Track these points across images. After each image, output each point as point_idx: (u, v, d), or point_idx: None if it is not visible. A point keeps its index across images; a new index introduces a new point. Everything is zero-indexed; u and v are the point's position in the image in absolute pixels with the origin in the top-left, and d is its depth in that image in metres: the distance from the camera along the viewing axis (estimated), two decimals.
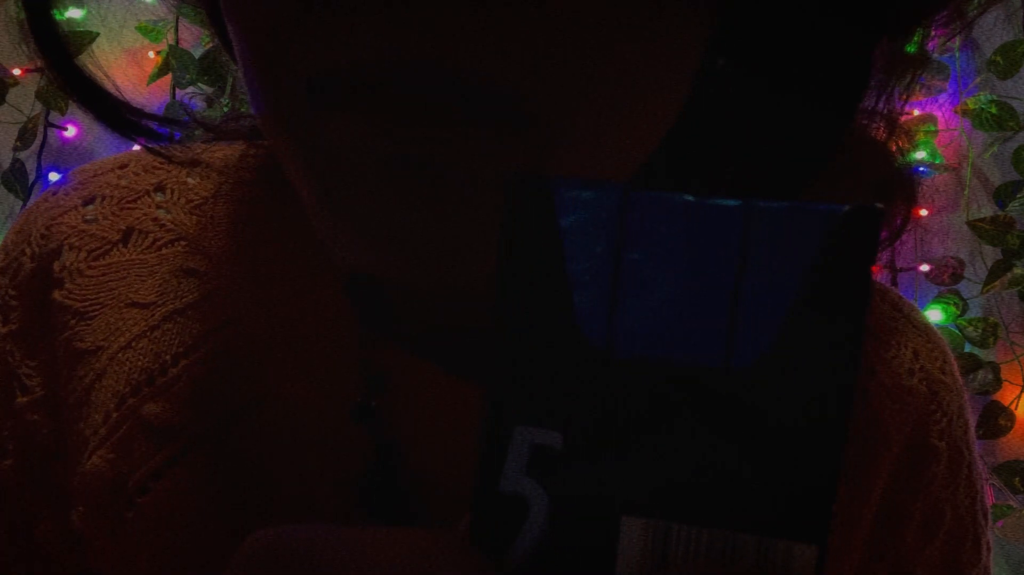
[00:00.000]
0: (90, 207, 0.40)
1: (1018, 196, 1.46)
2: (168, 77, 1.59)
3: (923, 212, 1.51)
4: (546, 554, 0.20)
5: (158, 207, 0.40)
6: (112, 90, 0.37)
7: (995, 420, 1.49)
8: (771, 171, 0.32)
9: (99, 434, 0.37)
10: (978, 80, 1.49)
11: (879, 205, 0.19)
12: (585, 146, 0.27)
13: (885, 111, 0.35)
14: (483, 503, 0.21)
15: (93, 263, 0.39)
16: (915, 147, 1.47)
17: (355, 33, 0.24)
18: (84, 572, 0.39)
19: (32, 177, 1.69)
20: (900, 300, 0.44)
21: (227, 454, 0.36)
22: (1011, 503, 1.50)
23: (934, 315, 1.49)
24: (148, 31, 1.61)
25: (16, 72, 1.66)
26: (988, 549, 0.45)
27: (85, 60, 0.37)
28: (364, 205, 0.27)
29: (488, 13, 0.24)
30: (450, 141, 0.25)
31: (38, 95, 1.65)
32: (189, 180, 0.41)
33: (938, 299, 1.51)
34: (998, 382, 1.49)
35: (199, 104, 1.59)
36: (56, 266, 0.39)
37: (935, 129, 1.49)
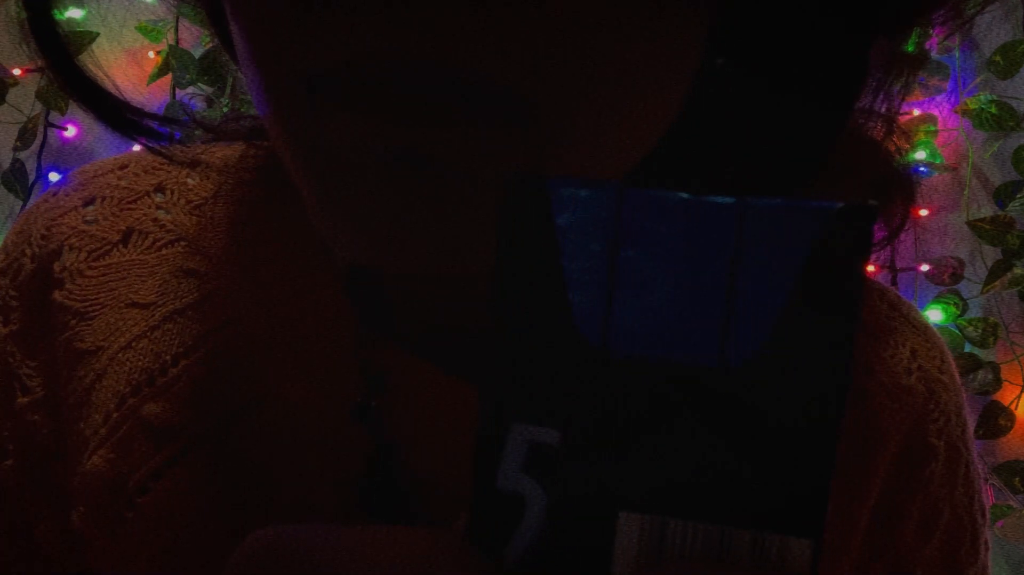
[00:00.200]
0: (90, 208, 0.40)
1: (1018, 196, 1.46)
2: (168, 77, 1.59)
3: (923, 212, 1.51)
4: (543, 551, 0.20)
5: (158, 208, 0.40)
6: (112, 90, 0.37)
7: (995, 420, 1.49)
8: (769, 169, 0.32)
9: (99, 434, 0.37)
10: (978, 80, 1.49)
11: (873, 202, 0.19)
12: (585, 145, 0.27)
13: (883, 111, 0.35)
14: (480, 501, 0.21)
15: (93, 263, 0.39)
16: (915, 147, 1.47)
17: (355, 31, 0.24)
18: (84, 572, 0.39)
19: (32, 177, 1.69)
20: (898, 299, 0.44)
21: (227, 454, 0.36)
22: (1011, 503, 1.50)
23: (934, 315, 1.49)
24: (148, 31, 1.61)
25: (16, 72, 1.66)
26: (986, 547, 0.46)
27: (85, 60, 0.37)
28: (364, 204, 0.27)
29: (488, 12, 0.24)
30: (450, 140, 0.25)
31: (38, 95, 1.65)
32: (189, 181, 0.41)
33: (938, 299, 1.51)
34: (998, 382, 1.49)
35: (199, 104, 1.59)
36: (56, 266, 0.39)
37: (935, 129, 1.49)
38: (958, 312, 1.49)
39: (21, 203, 1.69)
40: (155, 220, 0.40)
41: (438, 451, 0.36)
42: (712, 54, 0.28)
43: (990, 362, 1.49)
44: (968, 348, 1.50)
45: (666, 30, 0.26)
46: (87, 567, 0.38)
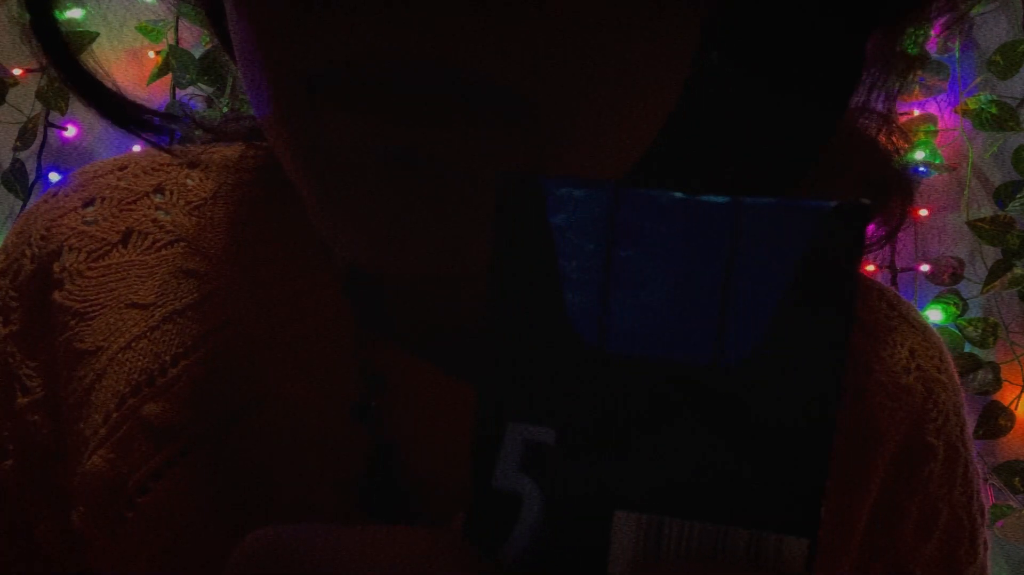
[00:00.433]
0: (90, 209, 0.40)
1: (1018, 196, 1.46)
2: (168, 77, 1.59)
3: (923, 212, 1.51)
4: (540, 550, 0.21)
5: (157, 208, 0.40)
6: (113, 88, 0.37)
7: (995, 420, 1.49)
8: (765, 167, 0.32)
9: (99, 434, 0.37)
10: (978, 80, 1.49)
11: (866, 201, 0.19)
12: (585, 144, 0.27)
13: (881, 109, 0.35)
14: (477, 500, 0.21)
15: (93, 264, 0.39)
16: (915, 147, 1.47)
17: (355, 31, 0.25)
18: (84, 572, 0.39)
19: (32, 177, 1.69)
20: (897, 299, 0.44)
21: (227, 454, 0.36)
22: (1011, 503, 1.50)
23: (934, 315, 1.49)
24: (148, 31, 1.61)
25: (16, 72, 1.66)
26: (985, 547, 0.46)
27: (85, 60, 0.37)
28: (364, 203, 0.27)
29: (488, 12, 0.24)
30: (450, 140, 0.26)
31: (38, 95, 1.65)
32: (188, 182, 0.41)
33: (938, 299, 1.51)
34: (998, 382, 1.49)
35: (199, 104, 1.59)
36: (56, 267, 0.39)
37: (935, 129, 1.49)
38: (958, 312, 1.49)
39: (21, 203, 1.69)
40: (154, 221, 0.40)
41: (438, 451, 0.36)
42: (707, 51, 0.28)
43: (990, 362, 1.49)
44: (968, 348, 1.50)
45: (665, 29, 0.26)
46: (87, 567, 0.38)
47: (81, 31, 1.58)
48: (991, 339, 1.49)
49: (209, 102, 1.59)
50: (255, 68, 0.28)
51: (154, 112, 0.39)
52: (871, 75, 0.33)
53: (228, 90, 1.56)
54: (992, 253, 1.49)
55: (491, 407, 0.20)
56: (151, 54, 1.63)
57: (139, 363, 0.37)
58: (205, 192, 0.41)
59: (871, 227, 0.39)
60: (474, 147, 0.26)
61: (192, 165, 0.41)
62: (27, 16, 0.36)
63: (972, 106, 1.45)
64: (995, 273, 1.47)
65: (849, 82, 0.31)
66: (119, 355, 0.37)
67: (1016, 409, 1.50)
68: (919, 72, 1.44)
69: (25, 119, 1.67)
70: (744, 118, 0.31)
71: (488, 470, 0.21)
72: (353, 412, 0.36)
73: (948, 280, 1.50)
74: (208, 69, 1.57)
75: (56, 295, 0.39)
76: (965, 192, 1.50)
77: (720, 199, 0.19)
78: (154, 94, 1.59)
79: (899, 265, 1.51)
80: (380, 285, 0.38)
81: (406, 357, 0.36)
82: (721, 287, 0.19)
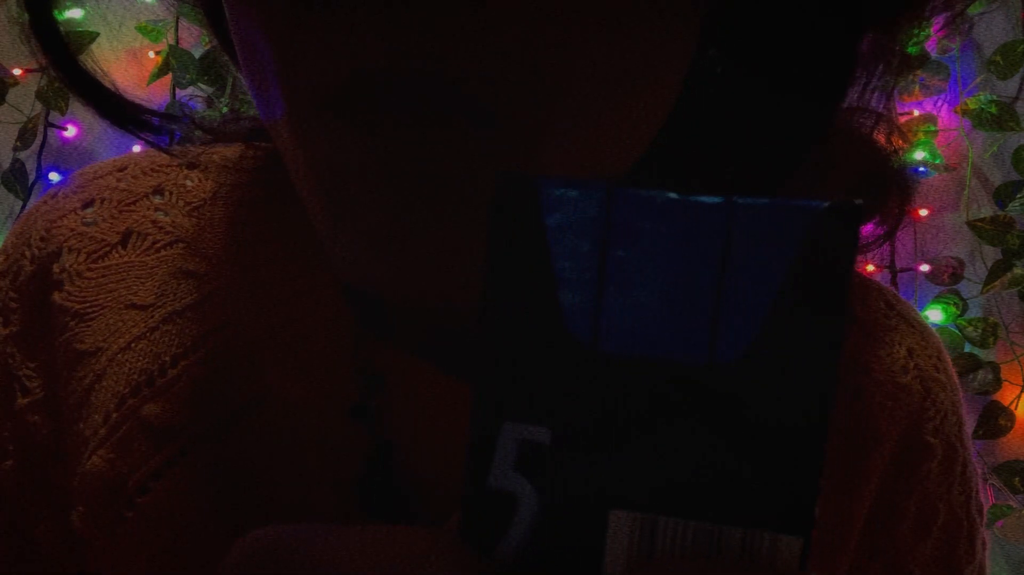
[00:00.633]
0: (89, 210, 0.40)
1: (1018, 196, 1.46)
2: (168, 77, 1.59)
3: (923, 212, 1.51)
4: (536, 549, 0.21)
5: (156, 209, 0.40)
6: (112, 88, 0.37)
7: (995, 420, 1.49)
8: (760, 164, 0.32)
9: (99, 434, 0.37)
10: (978, 80, 1.49)
11: (859, 201, 0.19)
12: (579, 149, 0.27)
13: (877, 108, 0.35)
14: (472, 499, 0.21)
15: (92, 265, 0.39)
16: (915, 147, 1.47)
17: (354, 46, 0.25)
18: (84, 573, 0.39)
19: (32, 177, 1.69)
20: (895, 298, 0.44)
21: (226, 454, 0.36)
22: (1011, 503, 1.50)
23: (934, 315, 1.49)
24: (148, 31, 1.61)
25: (16, 72, 1.66)
26: (984, 546, 0.46)
27: (85, 60, 0.38)
28: (365, 208, 0.27)
29: (483, 24, 0.24)
30: (448, 147, 0.26)
31: (38, 95, 1.65)
32: (187, 182, 0.41)
33: (938, 299, 1.51)
34: (998, 382, 1.49)
35: (199, 104, 1.59)
36: (56, 268, 0.39)
37: (935, 129, 1.49)
38: (958, 312, 1.49)
39: (21, 203, 1.69)
40: (154, 222, 0.40)
41: (437, 451, 0.36)
42: (705, 51, 0.28)
43: (990, 362, 1.49)
44: (968, 348, 1.50)
45: (653, 34, 0.26)
46: (87, 568, 0.38)
47: (81, 31, 1.58)
48: (991, 339, 1.49)
49: (209, 102, 1.59)
50: (260, 80, 0.28)
51: (154, 112, 0.39)
52: (867, 73, 0.33)
53: (228, 90, 1.56)
54: (992, 253, 1.49)
55: (486, 407, 0.21)
56: (151, 54, 1.63)
57: (139, 364, 0.37)
58: (204, 193, 0.41)
59: (870, 226, 0.39)
60: (473, 154, 0.26)
61: (191, 166, 0.42)
62: (27, 16, 0.36)
63: (972, 106, 1.45)
64: (995, 273, 1.47)
65: (843, 80, 0.32)
66: (119, 356, 0.38)
67: (1016, 409, 1.50)
68: (919, 72, 1.44)
69: (25, 119, 1.67)
70: (739, 116, 0.31)
71: (483, 470, 0.21)
72: (352, 412, 0.36)
73: (948, 280, 1.50)
74: (208, 69, 1.57)
75: (56, 296, 0.39)
76: (965, 192, 1.50)
77: (714, 199, 0.19)
78: (154, 94, 1.60)
79: (899, 265, 1.51)
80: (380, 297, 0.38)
81: (405, 357, 0.36)
82: (715, 287, 0.20)
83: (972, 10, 1.43)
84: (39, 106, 1.67)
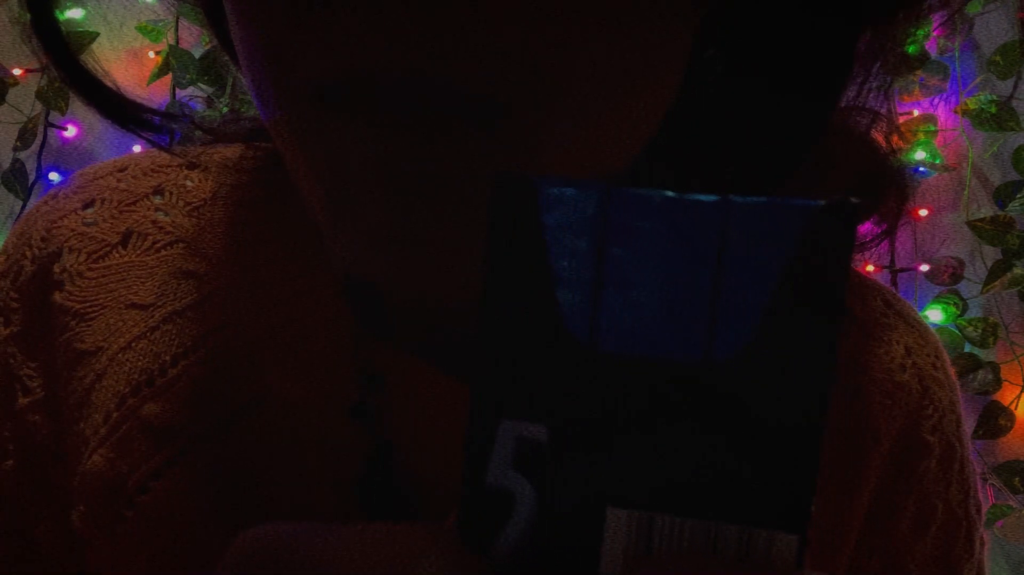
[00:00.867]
0: (90, 210, 0.41)
1: (1018, 196, 1.46)
2: (168, 77, 1.59)
3: (923, 212, 1.51)
4: (533, 546, 0.21)
5: (157, 209, 0.40)
6: (113, 87, 0.38)
7: (995, 420, 1.49)
8: (757, 162, 0.32)
9: (99, 434, 0.37)
10: (978, 80, 1.49)
11: (855, 199, 0.19)
12: (579, 147, 0.27)
13: (873, 106, 0.35)
14: (470, 497, 0.21)
15: (93, 265, 0.39)
16: (915, 147, 1.47)
17: (353, 44, 0.25)
18: (82, 573, 0.39)
19: (32, 177, 1.69)
20: (893, 297, 0.44)
21: (226, 454, 0.36)
22: (1011, 503, 1.50)
23: (934, 315, 1.49)
24: (148, 31, 1.61)
25: (16, 72, 1.66)
26: (982, 544, 0.46)
27: (85, 60, 0.38)
28: (365, 207, 0.28)
29: (481, 23, 0.25)
30: (448, 147, 0.26)
31: (38, 95, 1.65)
32: (187, 183, 0.41)
33: (938, 299, 1.51)
34: (998, 382, 1.49)
35: (199, 104, 1.59)
36: (56, 268, 0.39)
37: (935, 129, 1.49)
38: (958, 312, 1.49)
39: (21, 203, 1.69)
40: (154, 222, 0.40)
41: (437, 451, 0.36)
42: (701, 54, 0.28)
43: (990, 362, 1.49)
44: (968, 348, 1.50)
45: (649, 31, 0.27)
46: (87, 569, 0.38)
47: (81, 31, 1.58)
48: (991, 339, 1.49)
49: (209, 102, 1.59)
50: (258, 76, 0.28)
51: (155, 111, 0.39)
52: (864, 71, 0.33)
53: (228, 90, 1.56)
54: (992, 253, 1.49)
55: (484, 405, 0.21)
56: (151, 54, 1.63)
57: (139, 363, 0.37)
58: (204, 193, 0.41)
59: (868, 224, 0.39)
60: (472, 152, 0.26)
61: (191, 166, 0.42)
62: (27, 16, 0.36)
63: (972, 106, 1.45)
64: (995, 273, 1.47)
65: (841, 79, 0.32)
66: (119, 355, 0.38)
67: (1016, 409, 1.50)
68: (919, 72, 1.44)
69: (25, 119, 1.67)
70: (737, 115, 0.31)
71: (481, 467, 0.21)
72: (352, 412, 0.36)
73: (948, 280, 1.50)
74: (208, 69, 1.57)
75: (56, 296, 0.39)
76: (965, 192, 1.50)
77: (709, 198, 0.20)
78: (154, 94, 1.59)
79: (899, 265, 1.51)
80: (379, 292, 0.38)
81: (405, 357, 0.36)
82: (712, 285, 0.20)
83: (972, 10, 1.43)
84: (39, 106, 1.66)
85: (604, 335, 0.20)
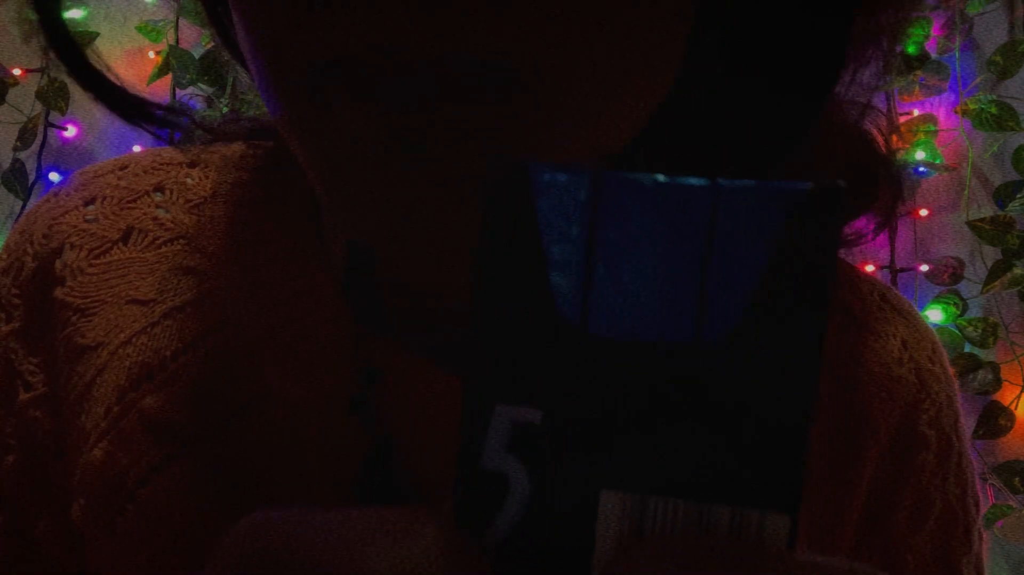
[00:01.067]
0: (91, 207, 0.41)
1: (1018, 196, 1.46)
2: (168, 77, 1.60)
3: (923, 212, 1.51)
4: (527, 529, 0.21)
5: (157, 207, 0.41)
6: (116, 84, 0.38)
7: (995, 420, 1.49)
8: (751, 149, 0.32)
9: (100, 427, 0.37)
10: (978, 80, 1.49)
11: (842, 183, 0.19)
12: (578, 119, 0.28)
13: (865, 101, 0.35)
14: (465, 481, 0.21)
15: (94, 261, 0.39)
16: (915, 147, 1.47)
17: (354, 25, 0.25)
18: (82, 571, 0.39)
19: (32, 177, 1.69)
20: (890, 292, 0.45)
21: (226, 451, 0.36)
22: (1011, 503, 1.50)
23: (934, 315, 1.49)
24: (148, 31, 1.61)
25: (16, 72, 1.66)
26: (980, 538, 0.46)
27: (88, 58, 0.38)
28: (372, 188, 0.28)
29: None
30: (450, 122, 0.26)
31: (38, 95, 1.65)
32: (188, 180, 0.41)
33: (938, 299, 1.51)
34: (998, 382, 1.49)
35: (199, 104, 1.59)
36: (58, 264, 0.40)
37: (935, 129, 1.49)
38: (958, 312, 1.49)
39: (21, 203, 1.69)
40: (155, 219, 0.40)
41: (436, 448, 0.36)
42: (697, 40, 0.29)
43: (990, 362, 1.49)
44: (968, 348, 1.50)
45: (655, 16, 0.27)
46: (86, 567, 0.38)
47: (81, 31, 1.58)
48: (991, 339, 1.49)
49: (209, 102, 1.59)
50: (260, 59, 0.28)
51: (159, 106, 0.40)
52: (856, 60, 0.33)
53: (228, 90, 1.56)
54: (992, 253, 1.49)
55: (479, 389, 0.21)
56: (151, 54, 1.63)
57: (139, 358, 0.38)
58: (204, 191, 0.41)
59: (864, 219, 0.40)
60: (471, 127, 0.27)
61: (192, 164, 0.42)
62: (27, 16, 0.36)
63: (972, 106, 1.45)
64: (995, 273, 1.47)
65: (833, 67, 0.32)
66: (120, 350, 0.38)
67: (1016, 409, 1.50)
68: (919, 72, 1.44)
69: (25, 119, 1.67)
70: (728, 99, 0.32)
71: (476, 451, 0.21)
72: (351, 405, 0.36)
73: (948, 280, 1.50)
74: (208, 69, 1.57)
75: (58, 291, 0.39)
76: (965, 192, 1.50)
77: (699, 181, 0.20)
78: (154, 94, 1.59)
79: (899, 265, 1.51)
80: (376, 280, 0.38)
81: (404, 354, 0.37)
82: (702, 268, 0.20)
83: (972, 10, 1.43)
84: (39, 106, 1.67)
85: (597, 319, 0.20)
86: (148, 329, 0.38)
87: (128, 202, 0.41)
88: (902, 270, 1.52)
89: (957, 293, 1.50)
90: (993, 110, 1.44)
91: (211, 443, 0.36)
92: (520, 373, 0.21)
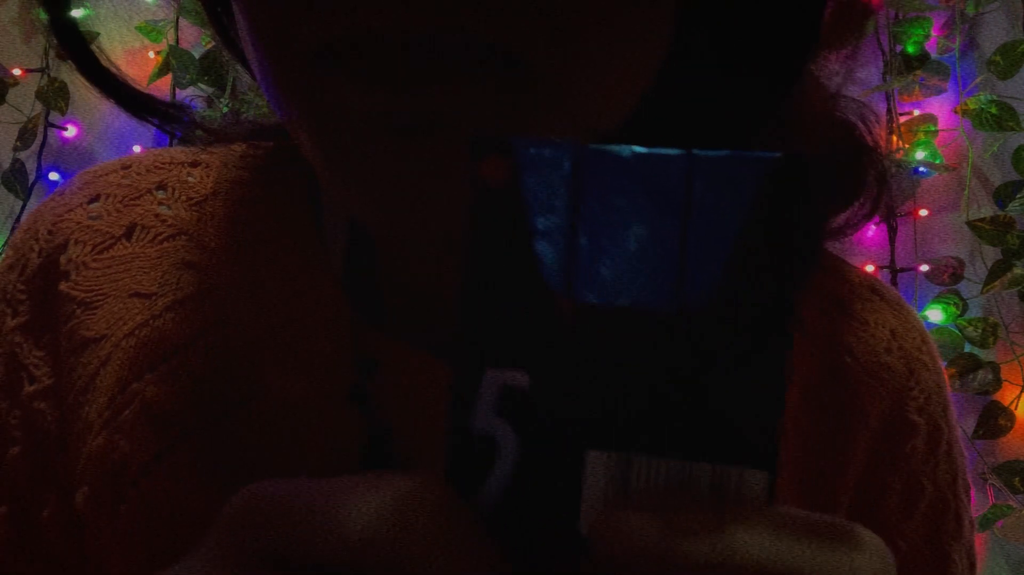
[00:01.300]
0: (95, 205, 0.42)
1: (1018, 196, 1.46)
2: (168, 77, 1.60)
3: (923, 212, 1.51)
4: (516, 489, 0.22)
5: (160, 204, 0.42)
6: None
7: (995, 420, 1.49)
8: (730, 128, 0.33)
9: (103, 417, 0.38)
10: (978, 80, 1.49)
11: (806, 153, 0.21)
12: (574, 101, 0.28)
13: (838, 88, 0.36)
14: (456, 444, 0.22)
15: (98, 256, 0.40)
16: (915, 147, 1.47)
17: (353, 7, 0.26)
18: (83, 560, 0.39)
19: (32, 177, 1.69)
20: (879, 284, 0.46)
21: (225, 440, 0.37)
22: (1011, 503, 1.50)
23: (934, 315, 1.49)
24: (148, 31, 1.61)
25: (16, 72, 1.67)
26: (971, 526, 0.47)
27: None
28: (372, 168, 0.29)
29: None
30: (448, 104, 0.27)
31: (38, 95, 1.65)
32: (189, 179, 0.42)
33: (938, 299, 1.51)
34: (998, 382, 1.49)
35: (199, 104, 1.59)
36: (62, 260, 0.40)
37: (935, 129, 1.49)
38: (958, 312, 1.49)
39: (21, 203, 1.69)
40: (156, 215, 0.41)
41: (434, 437, 0.36)
42: (687, 11, 0.30)
43: (990, 362, 1.49)
44: (968, 348, 1.50)
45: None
46: (86, 554, 0.39)
47: (82, 31, 1.58)
48: (991, 339, 1.49)
49: (209, 102, 1.59)
50: (261, 44, 0.29)
51: (166, 103, 0.41)
52: (831, 39, 0.34)
53: (228, 90, 1.57)
54: (992, 253, 1.49)
55: (468, 354, 0.22)
56: (151, 54, 1.63)
57: (142, 350, 0.38)
58: (206, 189, 0.42)
59: (858, 214, 0.40)
60: (471, 108, 0.27)
61: (193, 164, 0.43)
62: (35, 15, 0.37)
63: (972, 106, 1.45)
64: (995, 273, 1.47)
65: (806, 45, 0.32)
66: (123, 342, 0.39)
67: (1016, 409, 1.50)
68: (919, 72, 1.44)
69: (25, 119, 1.67)
70: (711, 77, 0.32)
71: (467, 416, 0.22)
72: (350, 395, 0.37)
73: (948, 280, 1.50)
74: (208, 69, 1.57)
75: (62, 286, 0.40)
76: (965, 192, 1.50)
77: (674, 151, 0.21)
78: (154, 94, 1.59)
79: (899, 265, 1.51)
80: (376, 277, 0.38)
81: (401, 346, 0.37)
82: (680, 235, 0.21)
83: (972, 10, 1.43)
84: (39, 106, 1.67)
85: (580, 286, 0.21)
86: (150, 322, 0.39)
87: (131, 200, 0.42)
88: (902, 270, 1.52)
89: (957, 293, 1.50)
90: (993, 110, 1.44)
91: (211, 433, 0.37)
92: (508, 339, 0.22)
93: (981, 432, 1.49)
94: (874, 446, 0.42)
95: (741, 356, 0.21)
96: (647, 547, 0.20)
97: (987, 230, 1.46)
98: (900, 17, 1.46)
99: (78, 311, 0.39)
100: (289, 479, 0.23)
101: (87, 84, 0.39)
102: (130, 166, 0.43)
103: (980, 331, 1.49)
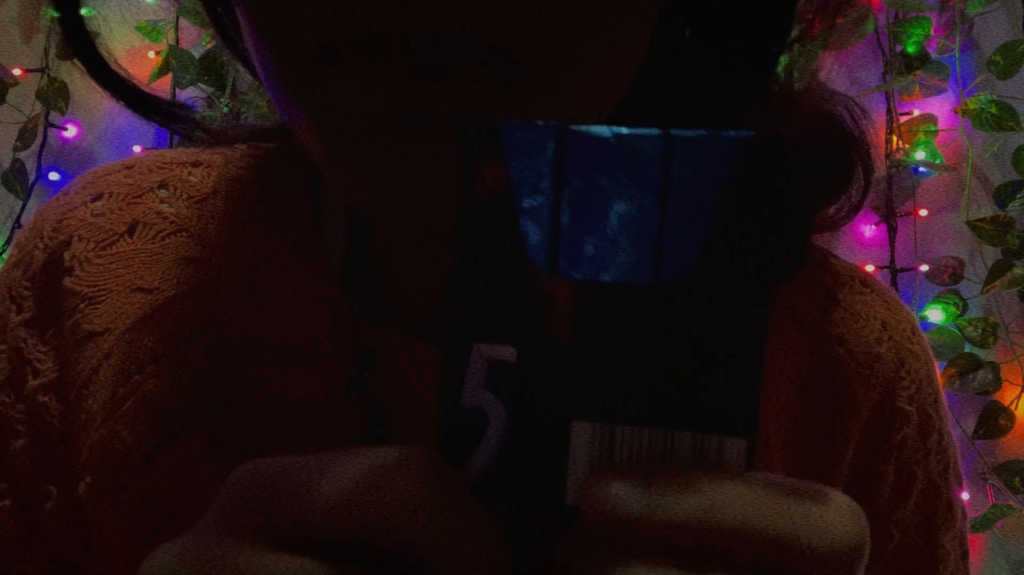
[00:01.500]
0: (98, 203, 0.43)
1: (1018, 196, 1.46)
2: (168, 77, 1.60)
3: (923, 212, 1.51)
4: (505, 461, 0.22)
5: (161, 202, 0.42)
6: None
7: (995, 420, 1.49)
8: (710, 113, 0.33)
9: (106, 409, 0.39)
10: (978, 80, 1.49)
11: (782, 132, 0.21)
12: (570, 97, 0.29)
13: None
14: (446, 418, 0.23)
15: (101, 252, 0.41)
16: (915, 147, 1.47)
17: (354, 3, 0.26)
18: (84, 553, 0.40)
19: (32, 177, 1.69)
20: (870, 278, 0.46)
21: (226, 432, 0.38)
22: (1011, 503, 1.50)
23: (934, 315, 1.50)
24: (148, 31, 1.61)
25: (16, 72, 1.67)
26: (963, 515, 0.47)
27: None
28: (372, 161, 0.29)
29: None
30: (449, 102, 0.27)
31: (38, 95, 1.65)
32: (191, 178, 0.43)
33: (938, 299, 1.51)
34: (998, 382, 1.49)
35: (199, 104, 1.59)
36: (66, 256, 0.41)
37: (935, 129, 1.49)
38: (958, 312, 1.49)
39: (21, 203, 1.69)
40: (158, 213, 0.42)
41: (431, 424, 0.37)
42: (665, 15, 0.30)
43: (990, 362, 1.49)
44: (968, 348, 1.50)
45: None
46: (91, 546, 0.39)
47: None
48: (991, 339, 1.49)
49: (209, 102, 1.59)
50: (263, 41, 0.29)
51: (169, 103, 0.41)
52: (805, 24, 0.35)
53: (228, 90, 1.57)
54: (992, 253, 1.49)
55: (458, 330, 0.22)
56: (151, 54, 1.63)
57: (144, 343, 0.39)
58: (207, 187, 0.42)
59: (847, 205, 0.41)
60: (470, 107, 0.27)
61: (195, 164, 0.44)
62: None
63: (972, 106, 1.45)
64: (995, 273, 1.47)
65: (779, 34, 0.33)
66: (125, 336, 0.39)
67: (1016, 409, 1.50)
68: (919, 72, 1.44)
69: (25, 119, 1.67)
70: (691, 65, 0.33)
71: (456, 390, 0.22)
72: (347, 383, 0.37)
73: (948, 280, 1.50)
74: (208, 69, 1.57)
75: (66, 281, 0.41)
76: (965, 192, 1.50)
77: (653, 131, 0.21)
78: (154, 94, 1.59)
79: (899, 265, 1.51)
80: (375, 272, 0.39)
81: (398, 336, 0.38)
82: (659, 212, 0.22)
83: (972, 10, 1.43)
84: (39, 106, 1.67)
85: (564, 262, 0.22)
86: (152, 315, 0.39)
87: (134, 198, 0.42)
88: (902, 270, 1.52)
89: (957, 293, 1.50)
90: (993, 110, 1.44)
91: (213, 424, 0.38)
92: (495, 315, 0.22)
93: (981, 432, 1.49)
94: (866, 434, 0.43)
95: (720, 327, 0.22)
96: (630, 511, 0.21)
97: (987, 230, 1.46)
98: (900, 17, 1.46)
99: (81, 306, 0.40)
100: (286, 456, 0.23)
101: (88, 84, 0.39)
102: (133, 166, 0.44)
103: (980, 331, 1.49)
